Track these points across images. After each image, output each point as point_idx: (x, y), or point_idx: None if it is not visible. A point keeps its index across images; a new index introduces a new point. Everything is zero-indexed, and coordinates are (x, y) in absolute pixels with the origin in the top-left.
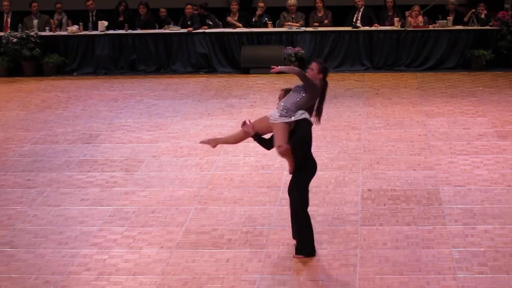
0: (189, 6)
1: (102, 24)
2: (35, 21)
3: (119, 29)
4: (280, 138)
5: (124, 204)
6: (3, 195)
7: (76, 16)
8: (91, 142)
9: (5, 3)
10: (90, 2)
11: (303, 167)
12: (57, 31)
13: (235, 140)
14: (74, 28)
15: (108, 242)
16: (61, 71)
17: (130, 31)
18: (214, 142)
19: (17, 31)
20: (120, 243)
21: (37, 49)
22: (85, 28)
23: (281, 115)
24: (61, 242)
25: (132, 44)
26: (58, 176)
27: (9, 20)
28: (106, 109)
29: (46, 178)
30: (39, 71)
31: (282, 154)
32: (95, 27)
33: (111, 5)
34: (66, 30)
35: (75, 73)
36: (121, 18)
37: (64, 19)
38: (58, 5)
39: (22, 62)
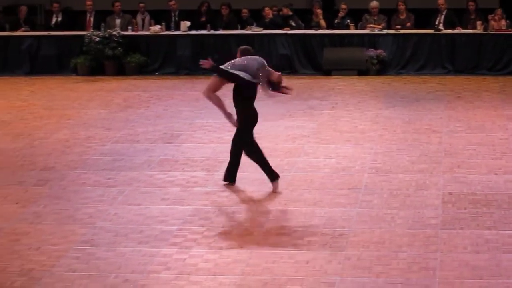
0: (267, 9)
1: (185, 24)
2: (118, 21)
3: (201, 29)
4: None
5: (205, 204)
6: (84, 194)
7: (159, 16)
8: (172, 141)
9: (88, 2)
10: (173, 2)
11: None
12: (139, 30)
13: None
14: (157, 28)
15: (188, 241)
16: (143, 70)
17: (212, 32)
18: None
19: (99, 30)
20: (200, 243)
21: (119, 48)
22: (168, 28)
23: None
24: (141, 241)
25: (214, 44)
26: (138, 175)
27: (91, 19)
28: (188, 109)
29: (126, 177)
30: (121, 70)
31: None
32: (178, 27)
33: (193, 5)
34: (148, 30)
35: (156, 73)
36: (203, 19)
37: (147, 19)
38: (141, 5)
39: (104, 61)
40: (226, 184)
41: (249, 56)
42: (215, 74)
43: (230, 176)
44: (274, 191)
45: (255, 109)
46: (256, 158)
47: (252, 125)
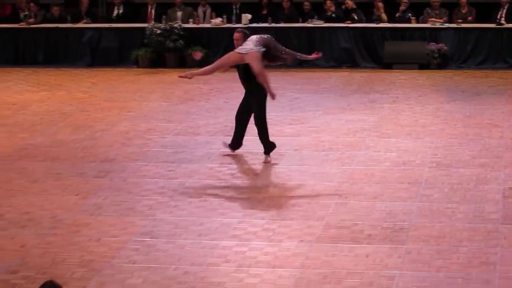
0: (329, 2)
1: (246, 17)
2: (179, 13)
3: (262, 22)
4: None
5: (265, 197)
6: (144, 186)
7: (220, 9)
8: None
9: (83, 0)
10: None
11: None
12: (200, 23)
13: (210, 71)
14: (218, 20)
15: (248, 234)
16: (204, 63)
17: (273, 25)
18: (191, 75)
19: (161, 22)
20: (260, 235)
21: (180, 41)
22: (229, 21)
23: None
24: (201, 233)
25: (275, 37)
26: (199, 167)
27: (153, 11)
28: None
29: (187, 169)
30: (182, 62)
31: (264, 79)
32: (239, 20)
33: None
34: (209, 22)
35: None
36: (264, 11)
37: (208, 12)
38: None
39: (165, 53)
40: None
41: (256, 36)
42: (254, 51)
43: (236, 144)
44: (264, 162)
45: None
46: (262, 128)
47: (266, 99)
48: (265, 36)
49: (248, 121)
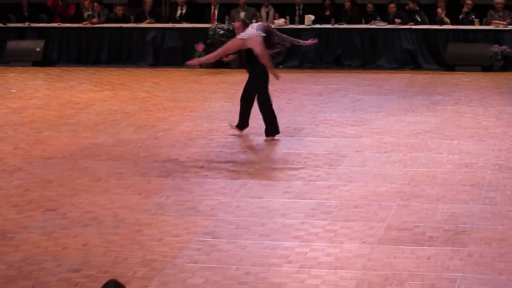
0: (392, 5)
1: (309, 18)
2: (242, 14)
3: (325, 23)
4: (260, 47)
5: (327, 198)
6: (206, 186)
7: (283, 10)
8: (295, 135)
9: (147, 0)
10: None
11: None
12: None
13: (215, 57)
14: (281, 21)
15: (310, 235)
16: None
17: (336, 26)
18: (197, 61)
19: (224, 23)
20: (322, 236)
21: None
22: (292, 22)
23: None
24: (263, 234)
25: (338, 38)
26: (261, 168)
27: (216, 12)
28: (311, 103)
29: (249, 169)
30: None
31: (266, 60)
32: (302, 21)
33: None
34: (272, 23)
35: (280, 66)
36: (327, 12)
37: (271, 12)
38: None
39: (228, 54)
40: (271, 138)
41: (256, 23)
42: (255, 36)
43: (275, 129)
44: (265, 141)
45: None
46: (265, 108)
47: (268, 81)
48: (265, 23)
49: (252, 102)
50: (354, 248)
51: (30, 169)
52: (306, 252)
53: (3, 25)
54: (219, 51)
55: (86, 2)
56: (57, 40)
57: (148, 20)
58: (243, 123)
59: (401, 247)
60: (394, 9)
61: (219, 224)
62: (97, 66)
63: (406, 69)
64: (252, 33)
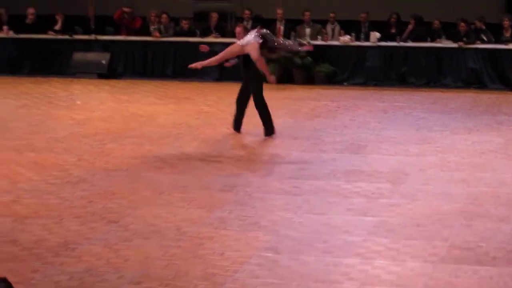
0: (462, 24)
1: (374, 35)
2: (308, 30)
3: (390, 40)
4: (257, 53)
5: (389, 216)
6: (269, 201)
7: (349, 26)
8: (359, 152)
9: (279, 11)
10: (363, 14)
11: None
12: (329, 40)
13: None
14: (347, 38)
15: (372, 253)
16: (332, 80)
17: (401, 44)
18: (200, 65)
19: (289, 38)
20: (384, 254)
21: (308, 57)
22: (357, 39)
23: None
24: (325, 251)
25: (403, 56)
26: (324, 184)
27: (282, 27)
28: (375, 120)
29: (312, 186)
30: (309, 79)
31: (262, 66)
32: (367, 38)
33: (383, 16)
34: (338, 39)
35: (345, 83)
36: (393, 30)
37: (337, 29)
38: (332, 15)
39: (293, 70)
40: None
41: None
42: (253, 42)
43: (270, 129)
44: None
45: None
46: (261, 110)
47: (263, 83)
48: (263, 30)
49: (246, 104)
50: (416, 267)
51: (93, 180)
52: (368, 270)
53: (70, 37)
54: (220, 55)
55: (153, 16)
56: (122, 53)
57: (213, 35)
58: (238, 124)
59: (463, 266)
60: (465, 27)
61: (281, 239)
62: (162, 79)
63: (472, 88)
64: (250, 39)
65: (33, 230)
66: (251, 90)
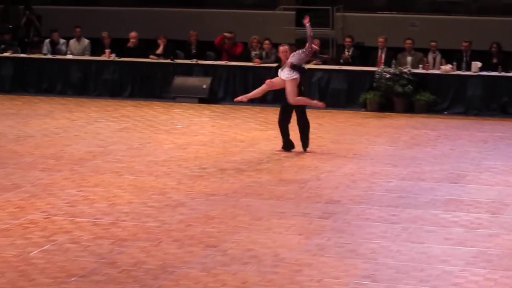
0: None
1: (476, 65)
2: (409, 58)
3: (492, 70)
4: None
5: (488, 247)
6: (367, 229)
7: (450, 56)
8: (458, 182)
9: (380, 39)
10: (465, 43)
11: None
12: (430, 69)
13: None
14: (448, 67)
15: (470, 283)
16: (432, 109)
17: (503, 73)
18: (245, 98)
19: (390, 67)
20: (482, 285)
21: (409, 86)
22: (459, 68)
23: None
24: (422, 280)
25: (506, 86)
26: (423, 213)
27: (383, 55)
28: (475, 149)
29: (411, 214)
30: (410, 108)
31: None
32: (468, 67)
33: (485, 45)
34: (439, 68)
35: (445, 112)
36: (494, 60)
37: (438, 58)
38: (433, 44)
39: (393, 98)
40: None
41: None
42: (291, 80)
43: (290, 145)
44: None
45: None
46: (306, 128)
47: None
48: (300, 51)
49: (288, 124)
50: None
51: (192, 204)
52: None
53: (171, 61)
54: (263, 87)
55: (254, 42)
56: (223, 78)
57: (315, 61)
58: (289, 144)
59: None
60: None
61: (379, 267)
62: (262, 105)
63: None
64: (289, 74)
65: (131, 252)
66: (298, 110)
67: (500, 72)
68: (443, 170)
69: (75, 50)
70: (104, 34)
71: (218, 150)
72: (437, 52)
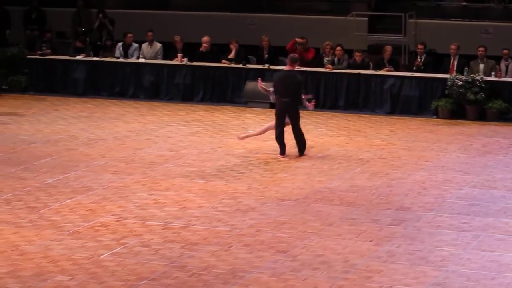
0: None
1: None
2: (481, 66)
3: None
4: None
5: None
6: (438, 236)
7: None
8: None
9: (453, 46)
10: None
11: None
12: (502, 77)
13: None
14: None
15: None
16: (504, 117)
17: None
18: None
19: (462, 74)
20: None
21: (481, 93)
22: None
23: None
24: None
25: None
26: (494, 221)
27: (455, 63)
28: None
29: (482, 222)
30: (482, 115)
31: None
32: None
33: None
34: (511, 76)
35: None
36: None
37: (511, 66)
38: (505, 51)
39: (465, 105)
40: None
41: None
42: None
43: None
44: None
45: None
46: (301, 137)
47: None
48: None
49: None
50: None
51: (263, 209)
52: None
53: (244, 66)
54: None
55: (327, 48)
56: None
57: (387, 68)
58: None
59: None
60: None
61: (449, 275)
62: (334, 111)
63: None
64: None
65: (202, 256)
66: (292, 120)
67: None
68: (507, 178)
69: (147, 54)
70: (177, 38)
71: (289, 156)
72: (510, 60)
